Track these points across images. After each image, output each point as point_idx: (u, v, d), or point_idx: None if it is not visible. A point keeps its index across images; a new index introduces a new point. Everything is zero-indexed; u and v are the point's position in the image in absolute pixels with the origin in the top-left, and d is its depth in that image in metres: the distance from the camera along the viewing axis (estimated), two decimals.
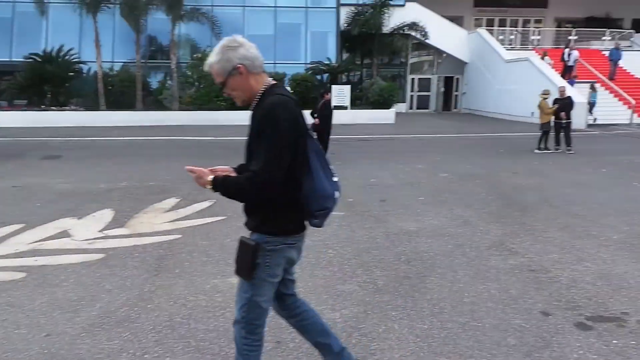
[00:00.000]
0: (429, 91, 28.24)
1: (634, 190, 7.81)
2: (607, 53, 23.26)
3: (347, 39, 24.95)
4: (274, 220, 2.19)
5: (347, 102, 20.93)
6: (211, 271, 4.42)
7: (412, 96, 28.10)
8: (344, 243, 5.21)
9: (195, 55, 21.91)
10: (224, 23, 22.46)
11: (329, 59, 22.99)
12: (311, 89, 20.45)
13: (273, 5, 23.05)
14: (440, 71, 28.03)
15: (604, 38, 27.23)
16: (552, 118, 12.27)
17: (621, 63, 22.72)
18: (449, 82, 28.23)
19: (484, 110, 24.59)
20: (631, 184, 8.28)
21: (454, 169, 9.85)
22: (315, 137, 2.28)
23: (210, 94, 19.98)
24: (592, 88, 19.12)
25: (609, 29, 28.36)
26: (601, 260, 4.65)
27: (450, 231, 5.61)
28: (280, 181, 2.07)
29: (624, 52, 22.92)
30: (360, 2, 24.53)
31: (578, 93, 18.10)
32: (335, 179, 2.27)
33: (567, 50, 21.36)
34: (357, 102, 22.41)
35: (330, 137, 10.76)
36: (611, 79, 21.13)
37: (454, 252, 4.89)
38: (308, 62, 23.29)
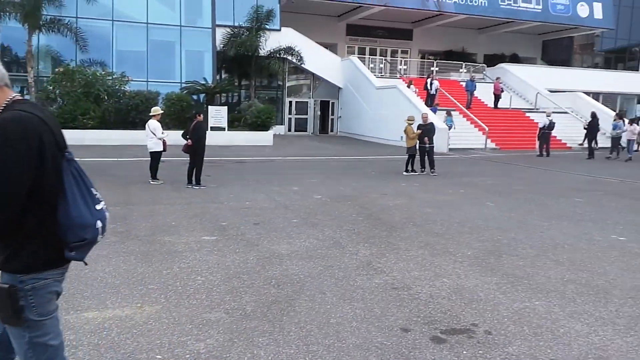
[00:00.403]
0: (306, 114, 28.96)
1: (487, 209, 8.61)
2: (463, 84, 25.78)
3: (225, 60, 24.84)
4: (25, 254, 1.91)
5: (224, 124, 20.71)
6: (62, 306, 4.02)
7: (290, 119, 28.61)
8: (214, 269, 5.06)
9: (57, 70, 20.29)
10: (91, 36, 21.19)
11: (205, 79, 22.65)
12: (187, 108, 19.93)
13: (145, 21, 22.17)
14: (317, 95, 28.93)
15: (461, 70, 30.23)
16: (417, 142, 13.17)
17: (476, 93, 25.27)
18: (325, 106, 29.21)
19: (358, 134, 25.76)
20: (484, 204, 9.12)
21: (328, 190, 10.12)
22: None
23: (75, 111, 18.61)
24: (448, 113, 21.04)
25: (464, 62, 31.55)
26: (456, 275, 5.02)
27: (321, 252, 5.71)
28: (14, 206, 1.82)
29: (478, 84, 25.61)
30: (236, 23, 24.64)
31: (439, 119, 19.77)
32: (99, 206, 2.02)
33: (429, 80, 23.59)
34: (236, 123, 22.28)
35: (205, 158, 10.55)
36: (468, 107, 23.35)
37: (323, 274, 4.97)
38: (183, 81, 22.71)
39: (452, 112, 21.65)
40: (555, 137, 22.17)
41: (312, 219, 7.54)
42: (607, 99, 32.91)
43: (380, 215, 7.89)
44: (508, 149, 20.91)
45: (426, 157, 13.25)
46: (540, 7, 30.71)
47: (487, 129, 21.24)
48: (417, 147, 13.17)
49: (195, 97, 22.51)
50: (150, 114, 10.79)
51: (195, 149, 10.20)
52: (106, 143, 18.59)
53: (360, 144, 22.69)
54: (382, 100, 23.50)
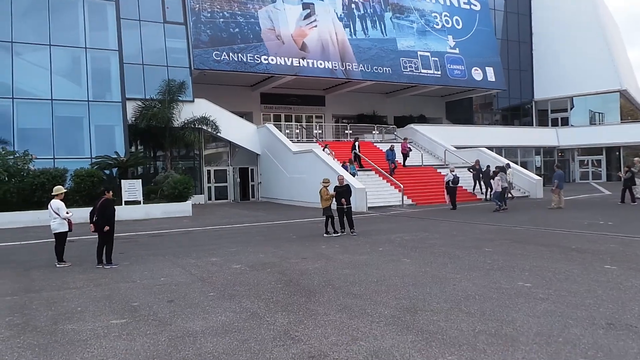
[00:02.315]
0: (226, 182, 28.79)
1: (403, 265, 8.81)
2: (381, 148, 27.15)
3: (138, 132, 24.43)
4: None
5: (139, 197, 20.07)
6: None
7: (209, 187, 28.28)
8: (121, 356, 4.74)
9: None
10: None
11: (117, 152, 22.02)
12: (98, 184, 19.18)
13: (49, 97, 21.46)
14: (235, 162, 28.98)
15: (373, 132, 31.68)
16: (336, 203, 13.39)
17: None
18: (245, 173, 29.24)
19: (279, 198, 25.87)
20: (401, 260, 9.33)
21: (247, 259, 9.95)
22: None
23: None
24: (350, 162, 22.83)
25: (376, 124, 33.22)
26: (373, 337, 5.02)
27: (237, 326, 5.53)
28: None
29: (390, 144, 26.94)
30: (148, 96, 24.56)
31: (356, 181, 20.43)
32: None
33: (357, 143, 25.44)
34: (152, 195, 21.67)
35: (119, 234, 10.07)
36: (392, 175, 23.99)
37: (239, 349, 4.80)
38: (94, 156, 21.94)
39: (368, 172, 22.54)
40: (464, 188, 23.55)
41: (229, 290, 7.34)
42: (509, 152, 35.62)
43: (299, 280, 7.83)
44: (423, 204, 21.80)
45: (345, 217, 13.47)
46: (440, 72, 33.39)
47: (402, 186, 22.11)
48: (336, 208, 13.40)
49: (107, 171, 21.75)
50: (53, 193, 10.26)
51: (103, 227, 9.74)
52: (9, 226, 17.38)
53: (281, 208, 22.74)
54: (300, 164, 23.94)
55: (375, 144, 29.49)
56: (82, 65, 22.58)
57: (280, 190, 25.98)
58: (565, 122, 42.07)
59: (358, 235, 13.04)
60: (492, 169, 21.15)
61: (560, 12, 40.93)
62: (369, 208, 20.32)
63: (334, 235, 13.13)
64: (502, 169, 20.31)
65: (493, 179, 19.59)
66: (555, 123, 42.23)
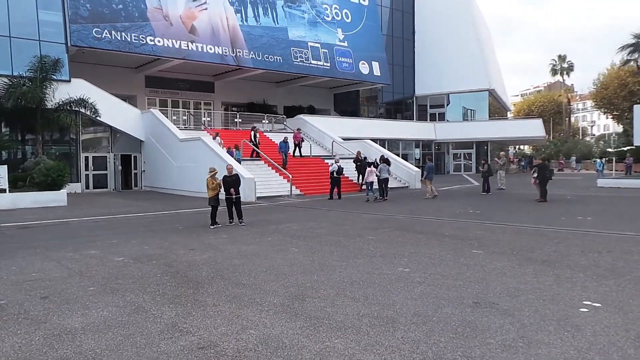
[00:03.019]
0: (106, 170, 27.13)
1: (291, 254, 9.00)
2: (272, 139, 27.16)
3: (3, 113, 22.16)
4: None
5: (4, 185, 18.27)
6: None
7: (87, 175, 26.47)
8: None
9: None
10: None
11: None
12: None
13: None
14: (117, 149, 27.40)
15: (263, 121, 31.68)
16: (224, 193, 13.23)
17: (277, 142, 26.65)
18: (127, 160, 27.76)
19: (165, 188, 24.96)
20: (289, 249, 9.52)
21: (130, 251, 9.55)
22: None
23: None
24: (236, 148, 22.86)
25: (266, 113, 33.25)
26: (262, 325, 5.13)
27: (121, 320, 5.33)
28: None
29: (279, 134, 27.14)
30: (16, 73, 22.32)
31: (243, 168, 20.33)
32: None
33: (253, 132, 25.40)
34: (20, 183, 19.82)
35: None
36: (285, 167, 24.04)
37: (123, 344, 4.64)
38: None
39: (257, 162, 22.57)
40: (349, 179, 24.48)
41: (112, 284, 7.01)
42: (392, 144, 37.58)
43: (187, 272, 7.70)
44: (311, 194, 22.32)
45: (233, 207, 13.38)
46: (329, 64, 34.21)
47: (290, 176, 22.43)
48: (225, 198, 13.26)
49: None
50: None
51: None
52: None
53: (167, 198, 21.98)
54: (187, 152, 23.29)
55: (265, 134, 29.52)
56: None
57: (167, 179, 25.08)
58: (442, 117, 45.33)
59: (246, 225, 13.04)
60: (377, 160, 22.07)
61: (440, 13, 43.88)
62: (258, 198, 20.37)
63: (218, 226, 12.95)
64: (386, 160, 21.29)
65: (370, 168, 20.29)
66: (433, 118, 45.36)
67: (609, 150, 47.04)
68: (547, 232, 11.06)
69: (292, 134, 27.68)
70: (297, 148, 26.85)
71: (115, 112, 25.83)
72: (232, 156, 21.60)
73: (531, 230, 11.47)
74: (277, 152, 24.88)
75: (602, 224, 12.18)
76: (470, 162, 43.57)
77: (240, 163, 21.43)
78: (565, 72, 73.33)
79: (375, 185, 19.87)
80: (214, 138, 23.63)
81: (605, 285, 6.46)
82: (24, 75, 22.29)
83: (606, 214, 14.40)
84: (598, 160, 38.44)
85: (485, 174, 22.41)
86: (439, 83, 43.31)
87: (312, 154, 27.81)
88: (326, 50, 34.27)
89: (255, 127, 26.71)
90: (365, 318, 5.28)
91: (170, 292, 6.50)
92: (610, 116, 65.77)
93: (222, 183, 13.28)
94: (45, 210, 17.60)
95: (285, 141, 24.89)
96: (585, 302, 5.72)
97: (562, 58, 72.65)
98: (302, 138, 27.50)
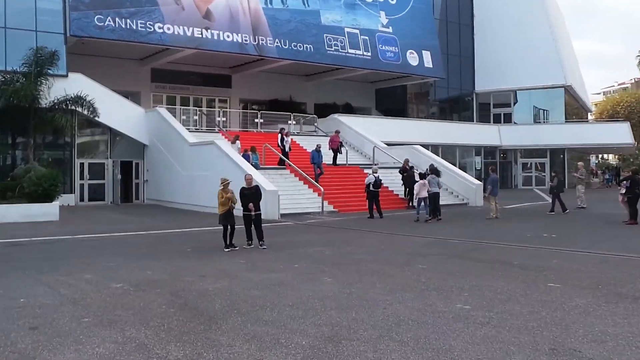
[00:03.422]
0: (103, 179, 27.70)
1: (323, 286, 8.94)
2: (299, 141, 27.19)
3: None
4: None
5: None
6: None
7: (82, 185, 27.08)
8: None
9: None
10: None
11: None
12: None
13: None
14: (117, 154, 27.95)
15: (289, 122, 31.78)
16: (242, 209, 13.23)
17: (306, 146, 26.67)
18: (128, 168, 28.30)
19: (172, 201, 25.29)
20: (321, 279, 9.47)
21: (130, 276, 9.67)
22: None
23: None
24: (252, 150, 23.16)
25: (293, 112, 33.36)
26: None
27: None
28: None
29: (309, 137, 27.15)
30: (9, 68, 23.05)
31: (263, 178, 20.27)
32: None
33: (280, 136, 25.45)
34: (9, 194, 20.44)
35: None
36: (317, 181, 23.85)
37: None
38: None
39: (282, 171, 22.73)
40: (394, 193, 24.35)
41: (109, 315, 7.09)
42: (447, 151, 37.15)
43: (197, 304, 7.72)
44: (347, 212, 22.23)
45: (252, 226, 13.34)
46: (370, 54, 34.20)
47: (322, 190, 22.39)
48: (242, 215, 13.27)
49: None
50: None
51: None
52: None
53: (173, 213, 22.27)
54: (198, 159, 23.59)
55: (291, 137, 29.65)
56: None
57: (173, 190, 25.42)
58: (508, 118, 44.67)
59: (268, 248, 13.02)
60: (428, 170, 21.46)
61: None
62: (282, 215, 20.37)
63: (237, 249, 12.95)
64: (435, 171, 20.84)
65: (422, 181, 19.67)
66: (497, 119, 44.73)
67: None
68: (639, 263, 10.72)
69: (329, 138, 27.50)
70: (335, 154, 26.64)
71: (116, 111, 26.42)
72: (248, 160, 21.72)
73: (619, 259, 11.14)
74: (307, 161, 24.72)
75: None
76: (543, 174, 42.77)
77: (257, 169, 21.44)
78: None
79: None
80: (233, 143, 23.86)
81: None
82: (18, 70, 23.01)
83: None
84: None
85: (554, 190, 21.92)
86: (503, 78, 42.75)
87: (349, 162, 27.71)
88: (366, 37, 34.30)
89: (283, 129, 26.71)
90: None
91: (177, 328, 6.51)
92: None
93: (239, 196, 13.28)
94: (35, 225, 18.04)
95: (318, 150, 24.29)
96: None
97: None
98: (341, 142, 27.20)
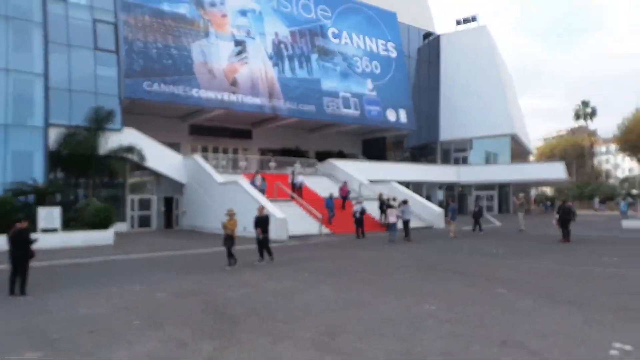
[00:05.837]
0: (150, 210, 27.71)
1: (323, 292, 8.92)
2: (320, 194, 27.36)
3: (60, 160, 23.03)
4: None
5: (57, 224, 18.80)
6: None
7: (132, 216, 27.07)
8: None
9: None
10: None
11: (34, 179, 20.60)
12: (12, 211, 17.66)
13: None
14: (160, 192, 28.02)
15: (295, 164, 31.95)
16: (259, 234, 13.21)
17: (308, 183, 26.68)
18: (169, 202, 28.34)
19: (205, 227, 25.22)
20: (320, 287, 9.44)
21: (172, 287, 9.63)
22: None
23: None
24: (262, 179, 23.44)
25: (299, 157, 33.60)
26: (294, 359, 5.05)
27: (163, 354, 5.35)
28: None
29: (311, 177, 27.22)
30: (74, 123, 23.26)
31: (274, 208, 20.38)
32: None
33: (291, 175, 26.17)
34: (72, 223, 20.34)
35: (36, 263, 9.38)
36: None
37: None
38: (8, 182, 20.30)
39: (287, 202, 22.83)
40: (377, 220, 24.32)
41: (154, 318, 7.07)
42: (416, 186, 37.23)
43: (225, 308, 7.70)
44: (340, 232, 22.18)
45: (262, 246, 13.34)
46: (358, 112, 34.68)
47: (321, 216, 22.40)
48: (256, 237, 13.30)
49: (23, 199, 20.17)
50: None
51: (17, 256, 9.05)
52: None
53: (206, 237, 22.17)
54: (226, 194, 23.61)
55: (302, 176, 29.68)
56: (1, 87, 21.04)
57: (207, 219, 25.38)
58: (465, 160, 44.88)
59: (276, 263, 12.90)
60: (398, 201, 21.91)
61: (464, 64, 44.08)
62: (290, 237, 20.33)
63: (258, 263, 12.94)
64: (405, 202, 20.80)
65: (389, 209, 20.05)
66: (457, 161, 44.94)
67: (634, 192, 45.55)
68: (572, 273, 10.68)
69: (338, 186, 27.27)
70: (344, 200, 25.90)
71: (160, 157, 26.56)
72: (256, 185, 21.83)
73: (556, 270, 11.11)
74: (309, 194, 24.75)
75: (629, 266, 11.69)
76: (492, 203, 42.78)
77: (263, 194, 21.65)
78: (588, 117, 72.39)
79: (400, 226, 19.61)
80: (254, 177, 24.17)
81: (636, 328, 6.15)
82: (81, 125, 23.22)
83: (633, 256, 13.82)
84: (622, 202, 37.23)
85: (476, 215, 23.03)
86: (462, 128, 43.08)
87: (340, 195, 27.71)
88: (356, 99, 34.78)
89: (294, 170, 26.76)
90: (394, 355, 5.16)
91: (209, 328, 6.50)
92: (635, 159, 64.03)
93: (254, 223, 13.34)
94: (93, 248, 17.95)
95: (331, 197, 23.98)
96: (615, 345, 5.46)
97: (585, 103, 72.05)
98: (348, 191, 26.71)
